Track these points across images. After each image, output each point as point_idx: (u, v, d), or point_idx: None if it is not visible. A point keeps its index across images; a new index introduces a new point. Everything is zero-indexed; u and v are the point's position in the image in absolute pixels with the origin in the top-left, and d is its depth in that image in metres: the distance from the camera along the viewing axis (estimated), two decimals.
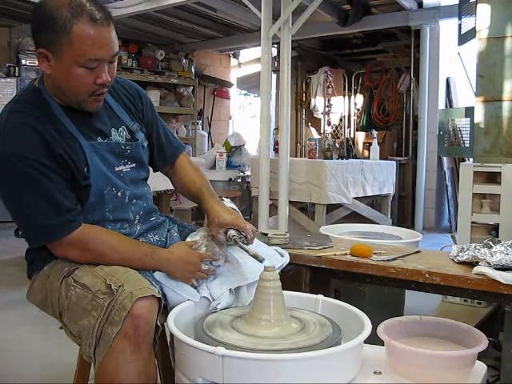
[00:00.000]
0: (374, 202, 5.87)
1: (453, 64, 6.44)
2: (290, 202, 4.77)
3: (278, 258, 1.61)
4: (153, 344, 1.26)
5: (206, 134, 8.82)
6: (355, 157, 5.81)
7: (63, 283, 1.35)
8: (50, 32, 1.28)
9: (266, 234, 1.99)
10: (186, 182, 1.67)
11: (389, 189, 5.49)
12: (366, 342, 1.22)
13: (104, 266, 1.35)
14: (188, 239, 1.53)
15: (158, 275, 1.42)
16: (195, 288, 1.43)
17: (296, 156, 7.77)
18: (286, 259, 1.63)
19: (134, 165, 1.52)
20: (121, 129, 1.50)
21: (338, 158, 5.20)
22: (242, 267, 1.46)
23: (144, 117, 1.59)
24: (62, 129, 1.36)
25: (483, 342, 1.22)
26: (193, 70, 8.27)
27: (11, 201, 1.34)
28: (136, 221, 1.51)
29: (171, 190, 4.28)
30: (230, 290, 1.44)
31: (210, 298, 1.41)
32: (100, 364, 1.21)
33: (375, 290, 2.22)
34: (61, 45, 1.28)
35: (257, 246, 1.63)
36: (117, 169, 1.46)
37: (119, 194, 1.45)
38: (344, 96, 7.98)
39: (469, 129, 3.25)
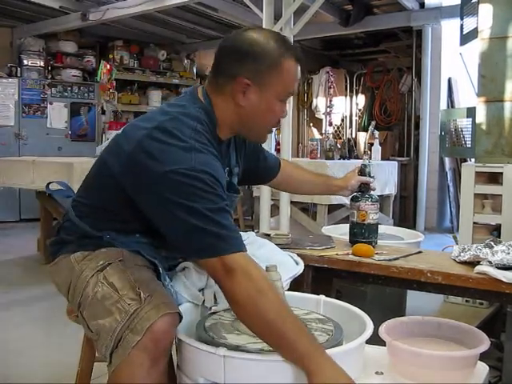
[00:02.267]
0: None
1: (455, 64, 6.44)
2: (292, 202, 4.76)
3: (291, 266, 1.59)
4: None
5: None
6: (357, 157, 5.81)
7: (94, 276, 1.32)
8: (260, 63, 1.30)
9: (269, 235, 1.98)
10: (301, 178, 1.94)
11: (390, 189, 5.49)
12: (367, 342, 1.22)
13: (134, 270, 1.32)
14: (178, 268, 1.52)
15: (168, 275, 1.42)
16: (201, 291, 1.42)
17: (297, 156, 7.77)
18: (301, 268, 1.61)
19: None
20: (226, 169, 1.48)
21: (339, 159, 5.20)
22: None
23: (250, 151, 1.64)
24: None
25: (485, 343, 1.22)
26: (194, 71, 8.28)
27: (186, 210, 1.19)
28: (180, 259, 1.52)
29: None
30: None
31: (213, 307, 1.40)
32: (116, 372, 1.19)
33: (377, 291, 2.22)
34: (270, 77, 1.32)
35: (271, 250, 1.63)
36: None
37: None
38: (346, 96, 7.98)
39: (470, 129, 3.24)
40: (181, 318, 1.24)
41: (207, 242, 1.17)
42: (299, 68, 1.38)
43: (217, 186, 1.21)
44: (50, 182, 1.73)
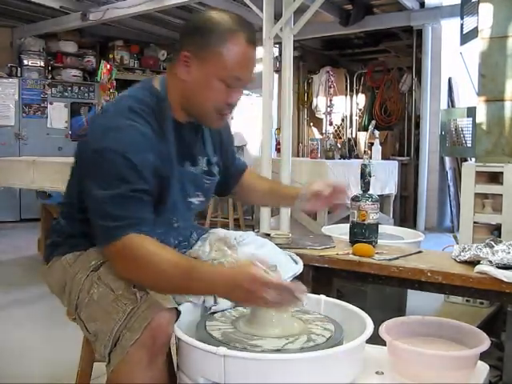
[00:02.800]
0: None
1: (455, 64, 6.43)
2: None
3: (291, 266, 1.59)
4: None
5: None
6: (357, 157, 5.81)
7: (88, 277, 1.32)
8: (205, 37, 1.27)
9: (269, 235, 1.98)
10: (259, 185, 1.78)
11: (391, 189, 5.50)
12: (367, 342, 1.21)
13: None
14: (199, 243, 1.54)
15: None
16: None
17: (298, 156, 7.76)
18: (300, 267, 1.60)
19: (203, 199, 1.51)
20: (204, 159, 1.48)
21: (339, 158, 5.20)
22: None
23: (225, 149, 1.61)
24: (166, 147, 1.33)
25: (485, 342, 1.22)
26: None
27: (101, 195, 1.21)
28: (173, 245, 1.49)
29: None
30: None
31: (213, 307, 1.40)
32: (115, 371, 1.19)
33: (377, 290, 2.22)
34: (211, 53, 1.27)
35: (271, 250, 1.62)
36: (189, 199, 1.45)
37: (176, 224, 1.45)
38: (346, 96, 7.98)
39: (471, 129, 3.25)
40: (179, 313, 1.24)
41: (99, 230, 1.22)
42: (252, 53, 1.31)
43: (126, 168, 1.20)
44: (44, 192, 1.76)
